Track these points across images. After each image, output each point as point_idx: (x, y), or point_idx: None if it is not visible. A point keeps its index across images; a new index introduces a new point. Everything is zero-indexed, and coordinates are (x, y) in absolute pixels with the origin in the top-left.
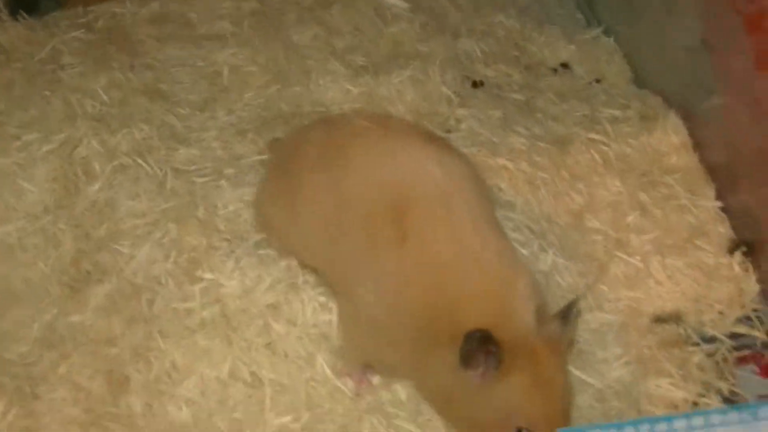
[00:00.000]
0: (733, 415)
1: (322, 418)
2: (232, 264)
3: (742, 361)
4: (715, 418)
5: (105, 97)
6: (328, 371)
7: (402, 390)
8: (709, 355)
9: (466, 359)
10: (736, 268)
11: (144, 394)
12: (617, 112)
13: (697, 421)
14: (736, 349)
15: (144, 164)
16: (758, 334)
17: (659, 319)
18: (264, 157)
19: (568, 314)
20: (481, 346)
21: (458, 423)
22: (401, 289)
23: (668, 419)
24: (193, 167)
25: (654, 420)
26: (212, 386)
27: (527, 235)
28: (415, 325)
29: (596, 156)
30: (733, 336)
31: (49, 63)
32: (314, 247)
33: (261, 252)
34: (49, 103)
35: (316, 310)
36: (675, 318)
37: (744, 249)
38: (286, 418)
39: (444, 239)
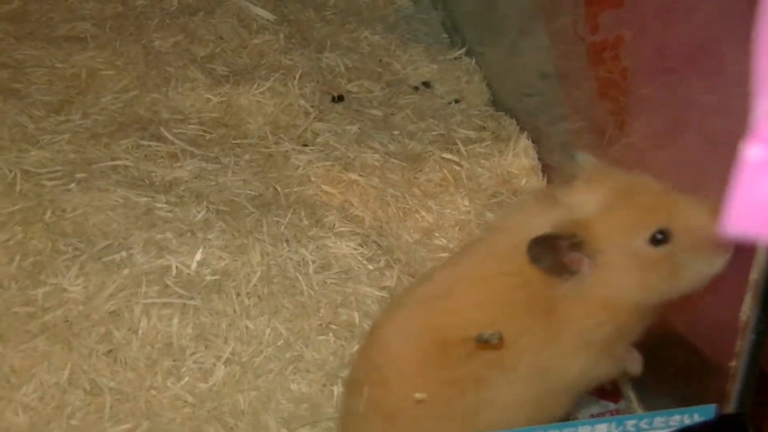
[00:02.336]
0: None
1: (161, 428)
2: (77, 269)
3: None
4: None
5: None
6: (168, 380)
7: (243, 400)
8: None
9: (555, 266)
10: None
11: None
12: (472, 133)
13: None
14: None
15: None
16: None
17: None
18: (119, 162)
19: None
20: (549, 245)
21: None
22: None
23: None
24: (43, 170)
25: None
26: (51, 392)
27: (374, 250)
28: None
29: (448, 175)
30: None
31: None
32: None
33: (106, 258)
34: None
35: (159, 319)
36: None
37: None
38: (124, 427)
39: None
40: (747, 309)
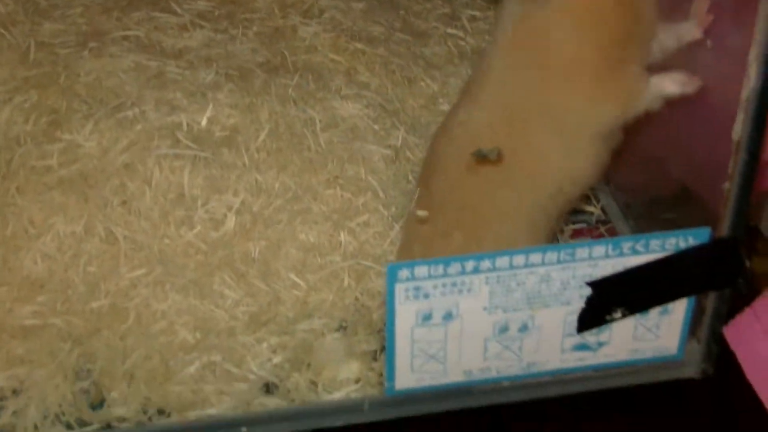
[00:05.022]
0: (552, 255)
1: (174, 272)
2: (91, 126)
3: (577, 233)
4: (535, 257)
5: None
6: (181, 229)
7: (254, 248)
8: None
9: None
10: None
11: (0, 249)
12: (477, 13)
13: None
14: (573, 223)
15: (7, 35)
16: (594, 210)
17: None
18: (130, 32)
19: None
20: None
21: None
22: None
23: (491, 256)
24: (57, 40)
25: (478, 257)
26: (68, 242)
27: (379, 112)
28: None
29: (453, 48)
30: (571, 211)
31: None
32: None
33: (119, 115)
34: None
35: (171, 171)
36: None
37: None
38: (139, 272)
39: None
40: (738, 128)
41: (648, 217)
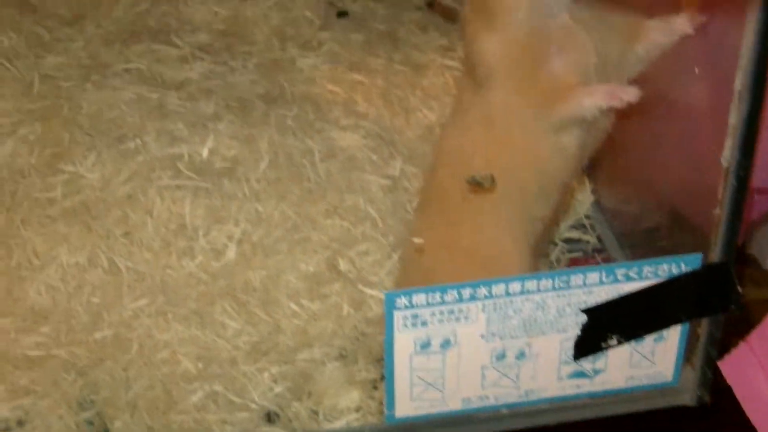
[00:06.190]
0: (547, 282)
1: (176, 302)
2: (94, 157)
3: (574, 262)
4: (531, 284)
5: None
6: (182, 260)
7: (254, 278)
8: (545, 256)
9: None
10: (573, 181)
11: (4, 280)
12: None
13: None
14: (570, 252)
15: (11, 68)
16: (590, 239)
17: None
18: (131, 65)
19: None
20: None
21: None
22: None
23: (487, 283)
24: (60, 73)
25: (474, 284)
26: (71, 272)
27: (378, 142)
28: None
29: (450, 80)
30: (568, 240)
31: None
32: None
33: (121, 147)
34: None
35: (172, 201)
36: None
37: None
38: (142, 302)
39: None
40: (728, 155)
41: (644, 245)
